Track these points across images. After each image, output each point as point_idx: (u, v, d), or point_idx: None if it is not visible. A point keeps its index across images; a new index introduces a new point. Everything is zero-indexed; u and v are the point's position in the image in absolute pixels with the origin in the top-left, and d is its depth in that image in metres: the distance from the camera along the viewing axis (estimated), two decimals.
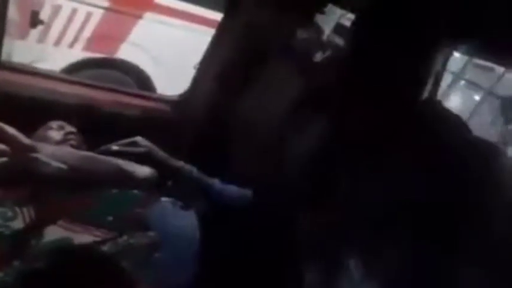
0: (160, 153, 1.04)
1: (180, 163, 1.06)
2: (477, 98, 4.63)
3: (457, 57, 4.09)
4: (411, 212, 0.70)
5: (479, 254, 0.68)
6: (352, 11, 1.54)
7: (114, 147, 1.00)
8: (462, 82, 4.64)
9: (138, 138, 1.04)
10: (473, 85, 4.56)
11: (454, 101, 4.49)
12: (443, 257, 0.69)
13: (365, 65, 0.76)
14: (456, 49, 1.84)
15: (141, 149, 1.02)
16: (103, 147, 1.02)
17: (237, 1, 1.60)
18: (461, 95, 4.73)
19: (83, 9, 2.68)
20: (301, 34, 1.66)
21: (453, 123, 0.79)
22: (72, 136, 1.22)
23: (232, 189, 1.06)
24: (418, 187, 0.71)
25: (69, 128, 1.26)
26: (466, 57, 3.99)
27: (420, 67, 0.76)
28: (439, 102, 0.88)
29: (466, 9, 0.98)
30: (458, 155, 0.72)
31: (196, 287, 0.95)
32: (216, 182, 1.06)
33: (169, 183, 1.03)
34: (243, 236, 1.05)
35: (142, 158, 1.00)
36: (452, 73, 4.21)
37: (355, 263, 0.77)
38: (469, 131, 0.79)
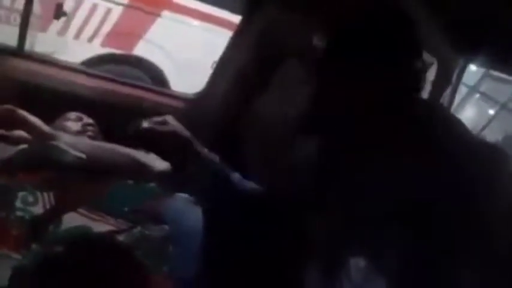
0: (187, 134, 1.00)
1: (204, 149, 1.03)
2: (491, 112, 4.57)
3: (473, 70, 4.05)
4: (411, 213, 0.70)
5: (479, 254, 0.68)
6: None
7: (145, 124, 0.97)
8: (477, 95, 4.58)
9: (169, 117, 1.00)
10: (488, 98, 4.51)
11: (467, 115, 4.44)
12: (442, 258, 0.69)
13: (362, 64, 0.76)
14: (472, 61, 1.84)
15: (169, 128, 0.98)
16: (133, 124, 0.98)
17: (256, 4, 1.61)
18: (475, 108, 4.68)
19: (103, 5, 2.71)
20: (319, 38, 1.67)
21: (454, 125, 0.79)
22: (89, 127, 1.24)
23: (250, 184, 1.05)
24: (418, 188, 0.71)
25: (87, 120, 1.28)
26: (482, 70, 3.96)
27: (406, 67, 0.76)
28: (440, 105, 0.88)
29: (480, 18, 0.98)
30: (459, 156, 0.72)
31: (201, 282, 0.96)
32: (236, 174, 1.04)
33: (191, 169, 1.00)
34: (246, 233, 1.05)
35: (168, 137, 0.96)
36: (467, 86, 4.17)
37: (355, 263, 0.77)
38: (469, 132, 0.79)
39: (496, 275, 0.68)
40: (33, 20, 1.66)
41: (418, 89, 0.80)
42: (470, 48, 1.37)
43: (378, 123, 0.78)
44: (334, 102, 0.80)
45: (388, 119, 0.77)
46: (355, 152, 0.82)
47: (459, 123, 0.80)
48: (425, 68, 0.81)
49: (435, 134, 0.76)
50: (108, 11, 2.73)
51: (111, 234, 0.79)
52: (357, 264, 0.77)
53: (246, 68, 1.64)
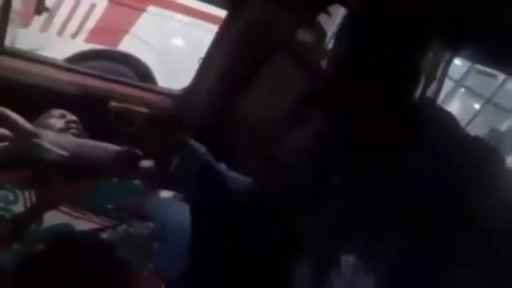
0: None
1: (190, 139, 1.03)
2: (477, 106, 4.61)
3: (459, 64, 4.08)
4: (408, 211, 0.71)
5: (476, 253, 0.68)
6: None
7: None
8: (462, 89, 4.62)
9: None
10: (473, 93, 4.54)
11: (452, 109, 4.47)
12: (439, 256, 0.69)
13: (358, 65, 0.76)
14: (457, 55, 1.86)
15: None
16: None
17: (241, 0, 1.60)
18: (460, 102, 4.71)
19: (87, 1, 2.67)
20: (305, 33, 1.67)
21: (445, 121, 0.79)
22: (73, 125, 1.23)
23: (238, 175, 1.05)
24: (413, 186, 0.71)
25: (71, 117, 1.26)
26: (468, 64, 3.99)
27: (413, 66, 0.76)
28: (432, 101, 0.88)
29: (466, 13, 0.99)
30: (451, 152, 0.72)
31: (190, 278, 0.95)
32: (222, 165, 1.04)
33: (176, 161, 1.00)
34: (239, 229, 1.05)
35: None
36: (452, 79, 4.20)
37: (349, 261, 0.78)
38: (461, 128, 0.79)
39: (494, 273, 0.68)
40: (13, 16, 1.63)
41: (416, 88, 0.80)
42: (456, 43, 1.38)
43: (376, 123, 0.77)
44: (336, 103, 0.80)
45: (387, 119, 0.77)
46: (352, 152, 0.81)
47: (450, 119, 0.80)
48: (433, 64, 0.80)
49: (427, 131, 0.76)
50: (93, 7, 2.69)
51: (94, 232, 0.78)
52: (351, 262, 0.77)
53: (231, 64, 1.63)
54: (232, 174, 1.02)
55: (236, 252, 1.03)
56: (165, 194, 1.02)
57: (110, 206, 0.84)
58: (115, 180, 0.90)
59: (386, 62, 0.75)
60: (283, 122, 1.40)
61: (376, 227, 0.74)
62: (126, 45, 2.84)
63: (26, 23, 2.50)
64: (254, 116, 1.57)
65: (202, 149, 1.02)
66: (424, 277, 0.70)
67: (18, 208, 0.76)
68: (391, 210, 0.73)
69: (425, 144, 0.74)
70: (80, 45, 2.73)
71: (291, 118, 1.40)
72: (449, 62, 1.93)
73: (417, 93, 0.80)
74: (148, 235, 0.86)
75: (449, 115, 0.82)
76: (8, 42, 1.52)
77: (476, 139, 0.78)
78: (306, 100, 1.43)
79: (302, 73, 1.52)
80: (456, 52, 1.72)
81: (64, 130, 1.18)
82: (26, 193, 0.77)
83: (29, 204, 0.76)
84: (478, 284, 0.68)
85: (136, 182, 0.92)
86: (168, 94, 1.71)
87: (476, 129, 3.98)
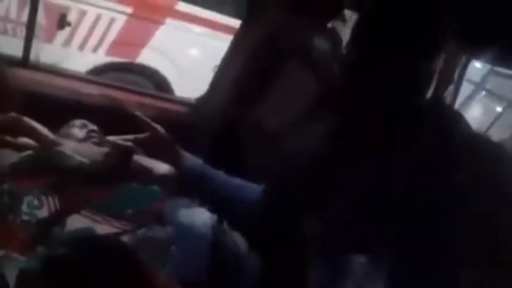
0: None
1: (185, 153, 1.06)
2: (499, 109, 4.50)
3: (478, 67, 4.01)
4: (416, 211, 0.71)
5: (480, 251, 0.68)
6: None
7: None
8: (483, 92, 4.52)
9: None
10: (494, 96, 4.44)
11: (473, 113, 4.38)
12: (445, 255, 0.69)
13: (368, 65, 0.77)
14: (476, 57, 1.83)
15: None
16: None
17: (257, 8, 1.63)
18: (481, 106, 4.61)
19: (107, 15, 2.76)
20: (320, 40, 1.68)
21: (454, 120, 0.79)
22: (94, 134, 1.26)
23: (241, 182, 1.06)
24: (421, 185, 0.72)
25: (92, 127, 1.30)
26: (487, 67, 3.92)
27: (423, 68, 0.76)
28: (441, 100, 0.88)
29: (484, 14, 0.98)
30: (459, 152, 0.72)
31: (207, 282, 0.97)
32: (220, 174, 1.06)
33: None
34: (249, 233, 1.06)
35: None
36: (472, 82, 4.12)
37: (358, 260, 0.78)
38: (469, 127, 0.79)
39: (499, 274, 0.68)
40: (38, 31, 1.70)
41: (427, 89, 0.80)
42: (474, 44, 1.36)
43: (382, 124, 0.78)
44: (346, 105, 0.81)
45: (393, 119, 0.78)
46: (358, 151, 0.82)
47: (460, 119, 0.80)
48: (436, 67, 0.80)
49: (435, 129, 0.76)
50: (112, 21, 2.77)
51: (114, 235, 0.81)
52: (359, 264, 0.77)
53: (246, 72, 1.66)
54: (236, 182, 1.04)
55: (249, 255, 1.04)
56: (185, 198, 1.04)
57: (129, 211, 0.87)
58: (135, 185, 0.93)
59: (400, 65, 0.75)
60: (297, 128, 1.41)
61: (386, 227, 0.74)
62: (145, 57, 2.91)
63: (49, 38, 2.60)
64: (269, 123, 1.58)
65: (198, 161, 1.05)
66: (435, 277, 0.70)
67: (43, 213, 0.79)
68: (400, 209, 0.72)
69: (434, 143, 0.74)
70: (101, 58, 2.81)
71: (305, 123, 1.40)
72: (466, 64, 1.91)
73: (429, 95, 0.80)
74: (166, 239, 0.88)
75: (456, 113, 0.82)
76: (32, 56, 1.59)
77: (482, 137, 0.77)
78: (319, 103, 1.43)
79: (317, 80, 1.53)
80: (474, 54, 1.70)
81: (85, 139, 1.22)
82: (50, 199, 0.80)
83: (52, 210, 0.79)
84: (489, 283, 0.68)
85: (155, 187, 0.95)
86: (184, 104, 1.75)
87: (498, 132, 3.89)
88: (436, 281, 0.70)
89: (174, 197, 1.01)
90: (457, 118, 0.81)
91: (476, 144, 0.76)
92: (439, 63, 0.78)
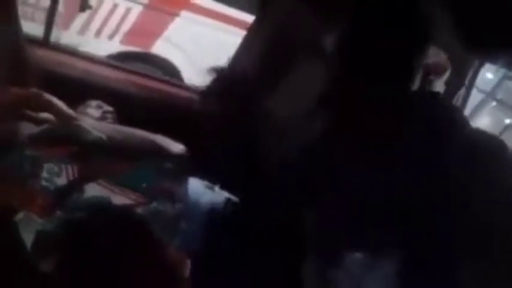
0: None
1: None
2: (508, 121, 4.46)
3: (490, 78, 3.99)
4: (415, 208, 0.71)
5: (480, 249, 0.68)
6: None
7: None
8: (494, 103, 4.48)
9: None
10: (505, 106, 4.40)
11: (481, 123, 4.35)
12: (445, 253, 0.69)
13: (362, 59, 0.77)
14: (487, 62, 1.83)
15: None
16: None
17: (269, 4, 1.65)
18: (489, 117, 4.57)
19: (123, 4, 2.80)
20: (331, 36, 1.69)
21: (453, 115, 0.79)
22: (109, 115, 1.30)
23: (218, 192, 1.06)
24: (419, 182, 0.71)
25: (107, 108, 1.34)
26: (499, 76, 3.89)
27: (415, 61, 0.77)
28: (438, 95, 0.87)
29: (495, 16, 0.99)
30: (459, 148, 0.72)
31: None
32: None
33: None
34: (244, 230, 1.06)
35: None
36: (483, 92, 4.09)
37: (356, 257, 0.78)
38: (469, 123, 0.79)
39: (500, 274, 0.68)
40: (56, 17, 1.74)
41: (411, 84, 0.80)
42: (485, 48, 1.36)
43: (377, 118, 0.78)
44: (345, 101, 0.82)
45: (392, 116, 0.78)
46: (356, 148, 0.82)
47: (458, 112, 0.80)
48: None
49: (434, 125, 0.76)
50: (128, 10, 2.82)
51: (129, 206, 0.84)
52: (360, 259, 0.78)
53: (258, 67, 1.67)
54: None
55: (243, 254, 1.04)
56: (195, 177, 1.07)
57: (143, 185, 0.90)
58: (149, 162, 0.96)
59: (395, 59, 0.75)
60: (304, 122, 1.42)
61: (383, 224, 0.74)
62: (159, 48, 2.95)
63: (66, 24, 2.64)
64: (280, 116, 1.60)
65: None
66: (434, 275, 0.70)
67: (62, 181, 0.82)
68: (397, 207, 0.73)
69: (435, 141, 0.74)
70: (116, 46, 2.86)
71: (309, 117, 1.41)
72: (478, 69, 1.91)
73: (424, 90, 0.80)
74: (176, 214, 0.91)
75: (458, 111, 0.82)
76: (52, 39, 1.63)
77: (485, 134, 0.78)
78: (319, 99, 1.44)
79: (328, 75, 1.55)
80: (485, 59, 1.70)
81: (100, 119, 1.26)
82: (69, 167, 0.83)
83: (71, 178, 0.82)
84: (493, 281, 0.68)
85: (169, 164, 0.98)
86: (195, 91, 1.78)
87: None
88: (436, 280, 0.70)
89: (186, 176, 1.04)
90: (455, 113, 0.81)
91: (474, 139, 0.76)
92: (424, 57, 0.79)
